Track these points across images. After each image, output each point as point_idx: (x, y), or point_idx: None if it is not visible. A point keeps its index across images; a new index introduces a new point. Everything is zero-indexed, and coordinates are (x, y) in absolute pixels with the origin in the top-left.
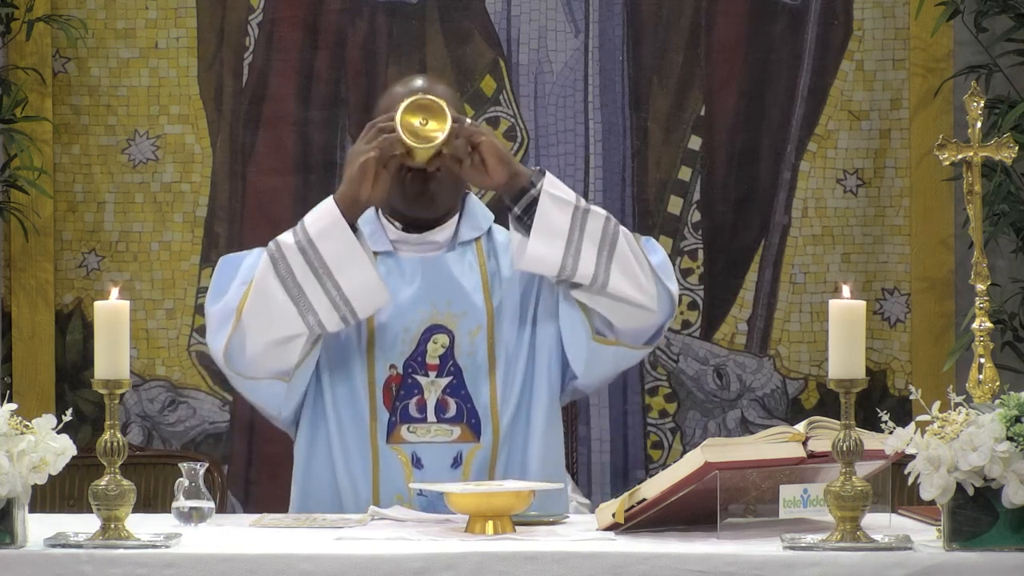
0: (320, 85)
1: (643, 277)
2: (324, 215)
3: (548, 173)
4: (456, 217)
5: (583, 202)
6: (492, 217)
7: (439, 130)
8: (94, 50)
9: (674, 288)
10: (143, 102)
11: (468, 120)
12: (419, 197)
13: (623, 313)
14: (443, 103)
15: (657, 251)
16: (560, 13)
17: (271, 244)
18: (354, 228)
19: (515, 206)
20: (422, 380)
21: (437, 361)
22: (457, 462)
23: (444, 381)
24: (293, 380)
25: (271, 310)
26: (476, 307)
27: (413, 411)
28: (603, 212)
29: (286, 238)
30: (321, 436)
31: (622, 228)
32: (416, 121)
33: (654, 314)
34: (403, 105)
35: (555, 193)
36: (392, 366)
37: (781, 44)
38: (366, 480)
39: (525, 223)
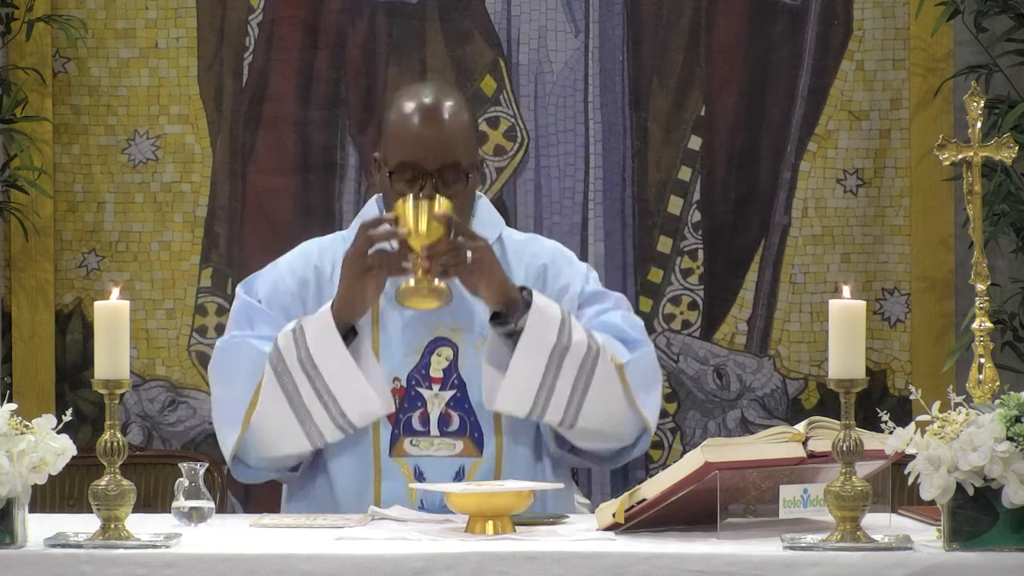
0: (320, 85)
1: (618, 411)
2: (322, 329)
3: (535, 302)
4: None
5: (567, 334)
6: (502, 223)
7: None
8: (94, 50)
9: (651, 415)
10: (143, 102)
11: (469, 248)
12: None
13: (588, 441)
14: (442, 288)
15: (647, 370)
16: (560, 13)
17: (272, 351)
18: (353, 328)
19: (499, 328)
20: (425, 393)
21: (441, 374)
22: (460, 476)
23: (448, 394)
24: (300, 472)
25: (279, 431)
26: (481, 320)
27: (416, 424)
28: (585, 345)
29: (287, 348)
30: (319, 455)
31: (603, 358)
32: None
33: (623, 441)
34: (401, 291)
35: (536, 333)
36: (396, 379)
37: (781, 44)
38: (367, 493)
39: (508, 343)
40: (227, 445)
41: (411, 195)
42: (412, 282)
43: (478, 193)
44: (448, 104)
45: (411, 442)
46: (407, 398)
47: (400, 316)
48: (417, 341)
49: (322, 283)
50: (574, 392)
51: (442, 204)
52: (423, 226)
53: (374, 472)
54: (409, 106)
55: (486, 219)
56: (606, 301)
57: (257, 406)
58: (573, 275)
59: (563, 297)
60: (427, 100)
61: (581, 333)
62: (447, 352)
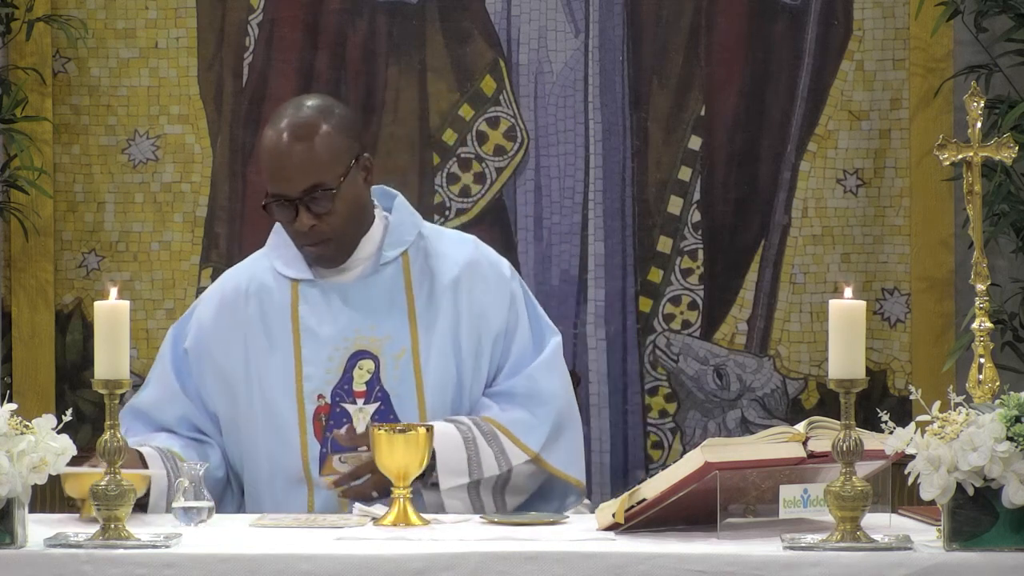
0: (320, 85)
1: (544, 483)
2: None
3: (438, 458)
4: (379, 232)
5: (477, 467)
6: (419, 223)
7: None
8: (94, 50)
9: (577, 471)
10: (143, 102)
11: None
12: (320, 261)
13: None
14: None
15: (562, 428)
16: (560, 13)
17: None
18: None
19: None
20: (350, 408)
21: (364, 387)
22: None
23: (372, 407)
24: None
25: None
26: (400, 331)
27: (343, 440)
28: (495, 468)
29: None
30: (253, 481)
31: (516, 464)
32: None
33: (561, 499)
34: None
35: (448, 481)
36: (320, 396)
37: (781, 44)
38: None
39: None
40: None
41: (382, 428)
42: (391, 517)
43: (392, 192)
44: (300, 125)
45: (339, 459)
46: (332, 415)
47: (319, 332)
48: (338, 356)
49: (237, 300)
50: (496, 499)
51: (420, 433)
52: (396, 462)
53: (307, 493)
54: (265, 137)
55: (401, 227)
56: (521, 335)
57: None
58: (492, 300)
59: (479, 323)
60: (278, 128)
61: (490, 459)
62: (368, 365)
